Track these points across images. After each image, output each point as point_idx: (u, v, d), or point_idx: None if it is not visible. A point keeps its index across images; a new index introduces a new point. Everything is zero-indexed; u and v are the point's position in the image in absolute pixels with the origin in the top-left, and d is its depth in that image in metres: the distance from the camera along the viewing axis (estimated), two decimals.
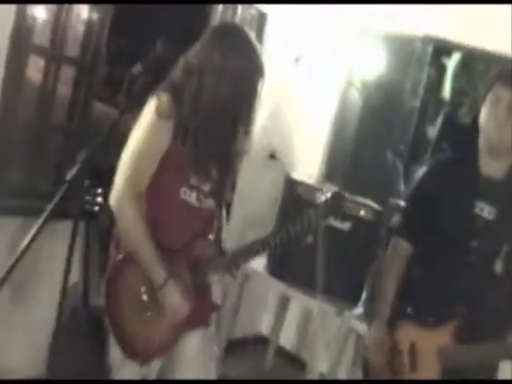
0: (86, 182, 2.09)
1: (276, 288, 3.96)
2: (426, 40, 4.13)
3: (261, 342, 4.49)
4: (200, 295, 2.36)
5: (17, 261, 1.82)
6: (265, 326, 4.58)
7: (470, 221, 2.43)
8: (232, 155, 2.41)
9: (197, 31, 2.51)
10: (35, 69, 3.22)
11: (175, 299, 2.26)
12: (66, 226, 2.61)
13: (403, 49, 4.29)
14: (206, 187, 2.35)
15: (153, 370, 2.41)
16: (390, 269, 2.57)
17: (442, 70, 5.16)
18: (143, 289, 2.30)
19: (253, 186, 4.25)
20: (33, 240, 1.91)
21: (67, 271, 2.13)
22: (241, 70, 2.21)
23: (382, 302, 2.53)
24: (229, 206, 4.15)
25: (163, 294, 2.25)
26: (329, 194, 2.28)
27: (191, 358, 2.41)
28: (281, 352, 4.40)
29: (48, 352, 2.76)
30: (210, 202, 2.38)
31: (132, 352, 2.35)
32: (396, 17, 4.12)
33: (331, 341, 3.56)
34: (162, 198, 2.30)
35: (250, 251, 2.34)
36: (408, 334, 2.45)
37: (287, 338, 4.45)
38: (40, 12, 3.08)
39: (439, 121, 5.28)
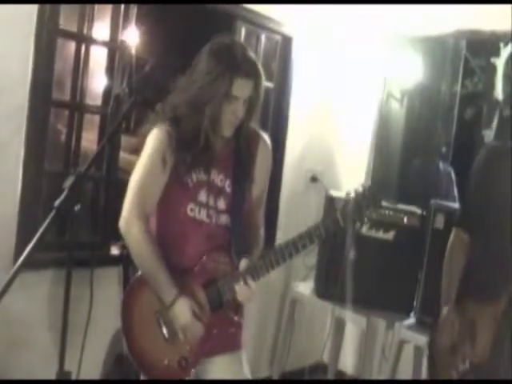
0: (77, 208, 2.01)
1: (328, 310, 3.76)
2: (459, 35, 3.95)
3: (320, 369, 4.27)
4: (222, 317, 2.27)
5: None
6: (322, 352, 4.32)
7: None
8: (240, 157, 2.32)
9: None
10: (58, 120, 3.22)
11: (186, 318, 2.17)
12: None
13: (437, 49, 4.15)
14: (221, 203, 2.29)
15: None
16: (454, 258, 2.62)
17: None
18: (158, 309, 2.23)
19: (296, 210, 4.13)
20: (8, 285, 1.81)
21: (65, 319, 2.06)
22: (209, 71, 2.16)
23: (450, 288, 2.57)
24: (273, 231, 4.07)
25: (173, 312, 2.18)
26: (362, 188, 2.16)
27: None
28: (341, 377, 4.17)
29: None
30: (223, 219, 2.30)
31: (152, 375, 2.29)
32: (426, 17, 3.96)
33: (384, 355, 3.34)
34: (170, 217, 2.29)
35: (267, 263, 2.20)
36: (467, 312, 2.48)
37: (346, 361, 4.22)
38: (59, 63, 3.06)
39: (495, 123, 5.02)
